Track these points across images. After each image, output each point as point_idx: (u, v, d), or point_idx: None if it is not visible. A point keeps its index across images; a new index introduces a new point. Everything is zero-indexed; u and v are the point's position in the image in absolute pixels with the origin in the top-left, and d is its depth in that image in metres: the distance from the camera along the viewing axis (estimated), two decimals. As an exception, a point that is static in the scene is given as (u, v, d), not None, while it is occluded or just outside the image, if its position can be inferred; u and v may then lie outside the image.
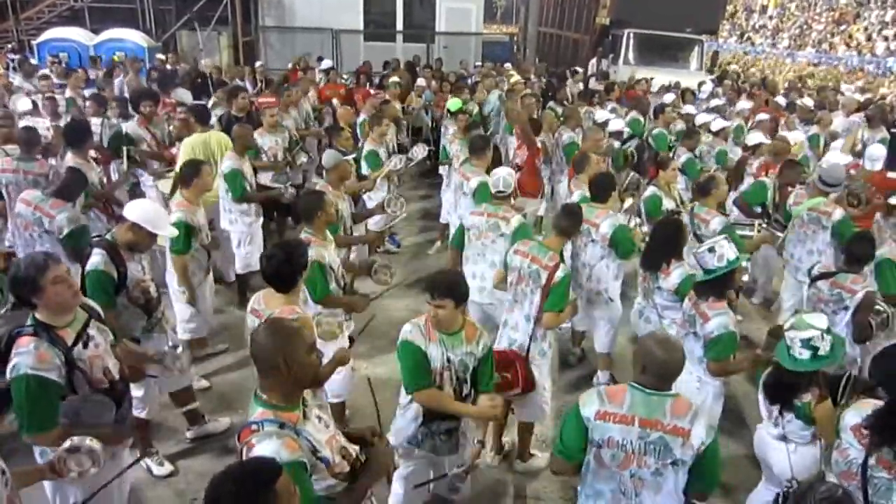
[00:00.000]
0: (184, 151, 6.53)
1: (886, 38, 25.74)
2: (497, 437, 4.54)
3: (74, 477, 2.68)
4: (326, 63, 13.39)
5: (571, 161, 6.77)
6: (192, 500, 3.91)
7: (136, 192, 7.16)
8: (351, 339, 5.03)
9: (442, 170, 8.38)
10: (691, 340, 3.99)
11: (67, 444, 2.65)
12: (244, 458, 2.26)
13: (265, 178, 6.98)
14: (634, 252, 5.07)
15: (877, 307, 4.24)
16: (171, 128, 7.67)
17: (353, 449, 2.57)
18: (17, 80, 9.90)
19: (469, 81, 12.15)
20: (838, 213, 5.43)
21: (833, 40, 28.46)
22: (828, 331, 3.17)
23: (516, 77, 12.32)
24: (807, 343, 3.09)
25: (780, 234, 5.90)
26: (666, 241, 4.61)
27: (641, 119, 9.19)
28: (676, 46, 16.58)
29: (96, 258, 3.71)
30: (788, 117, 9.95)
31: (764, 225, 5.96)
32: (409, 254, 8.23)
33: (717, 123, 8.14)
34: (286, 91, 8.90)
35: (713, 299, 3.84)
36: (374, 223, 6.91)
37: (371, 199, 7.19)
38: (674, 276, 4.49)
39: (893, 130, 8.91)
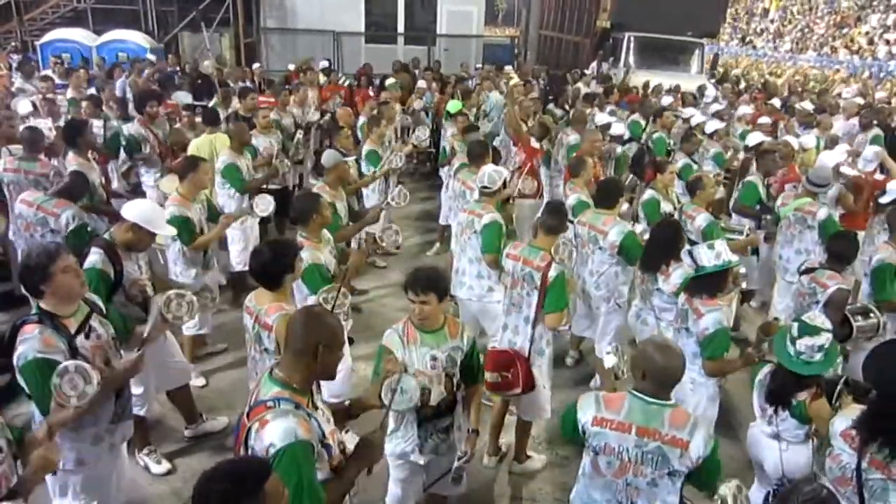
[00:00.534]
0: (191, 152, 6.58)
1: (888, 42, 25.76)
2: (494, 439, 4.55)
3: (76, 405, 2.66)
4: (323, 63, 13.43)
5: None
6: (188, 499, 3.93)
7: (137, 192, 7.18)
8: (350, 339, 5.07)
9: (442, 171, 8.41)
10: (684, 336, 4.00)
11: (58, 369, 2.66)
12: (256, 436, 2.27)
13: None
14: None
15: (869, 310, 4.19)
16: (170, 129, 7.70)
17: (347, 446, 2.60)
18: (17, 80, 9.92)
19: (470, 84, 12.18)
20: (823, 213, 5.51)
21: (834, 44, 28.48)
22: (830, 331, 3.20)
23: (515, 79, 12.34)
24: (821, 348, 3.10)
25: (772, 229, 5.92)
26: (664, 244, 4.61)
27: (642, 122, 9.21)
28: (677, 50, 16.57)
29: (94, 257, 3.73)
30: (788, 121, 9.96)
31: (754, 227, 5.98)
32: (408, 255, 8.25)
33: (711, 125, 8.19)
34: (284, 91, 8.95)
35: (706, 297, 3.86)
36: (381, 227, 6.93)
37: (370, 199, 7.23)
38: (674, 277, 4.49)
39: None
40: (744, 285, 4.73)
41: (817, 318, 3.23)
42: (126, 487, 3.68)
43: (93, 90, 9.24)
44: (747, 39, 33.63)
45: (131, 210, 3.86)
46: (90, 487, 3.20)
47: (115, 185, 7.29)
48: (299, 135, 8.06)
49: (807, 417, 3.22)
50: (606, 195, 5.15)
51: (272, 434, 2.23)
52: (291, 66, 13.13)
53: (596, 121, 8.40)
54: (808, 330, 3.11)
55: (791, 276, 5.58)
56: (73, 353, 2.91)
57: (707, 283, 3.87)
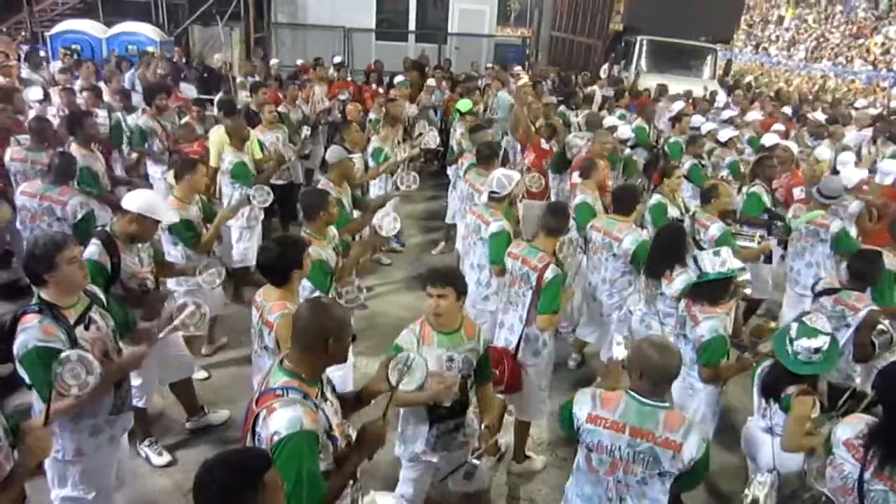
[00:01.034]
0: (213, 143, 6.60)
1: (903, 53, 25.64)
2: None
3: (76, 395, 2.65)
4: (337, 59, 13.44)
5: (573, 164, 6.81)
6: (189, 491, 3.93)
7: (141, 183, 7.21)
8: (353, 336, 5.06)
9: (450, 170, 8.40)
10: (682, 342, 4.01)
11: (59, 357, 2.66)
12: (263, 423, 2.30)
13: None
14: None
15: (880, 327, 4.19)
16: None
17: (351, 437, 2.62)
18: (24, 71, 9.93)
19: (480, 83, 12.16)
20: (836, 226, 5.43)
21: (850, 53, 28.35)
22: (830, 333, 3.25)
23: (524, 79, 12.31)
24: (818, 350, 3.16)
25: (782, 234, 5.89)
26: (669, 249, 4.58)
27: (646, 126, 9.17)
28: (690, 54, 16.47)
29: (92, 248, 3.72)
30: (799, 130, 9.90)
31: (765, 236, 5.94)
32: (412, 253, 8.26)
33: (725, 133, 8.08)
34: (293, 86, 8.96)
35: (707, 304, 3.84)
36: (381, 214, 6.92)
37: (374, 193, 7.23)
38: (677, 282, 4.47)
39: None
40: (748, 291, 4.70)
41: (817, 320, 3.28)
42: (127, 479, 3.70)
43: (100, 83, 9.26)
44: (762, 47, 33.49)
45: (133, 201, 3.84)
46: (89, 478, 3.20)
47: (118, 171, 7.29)
48: (306, 130, 8.06)
49: (789, 410, 3.28)
50: (622, 201, 5.08)
51: (278, 422, 2.26)
52: (299, 62, 13.13)
53: (605, 123, 8.36)
54: (807, 332, 3.19)
55: (802, 289, 5.55)
56: (73, 343, 2.91)
57: (709, 291, 3.87)
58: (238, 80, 10.61)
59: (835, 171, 7.27)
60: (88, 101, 7.61)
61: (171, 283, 4.71)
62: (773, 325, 6.08)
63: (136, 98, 8.63)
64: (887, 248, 4.79)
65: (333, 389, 2.75)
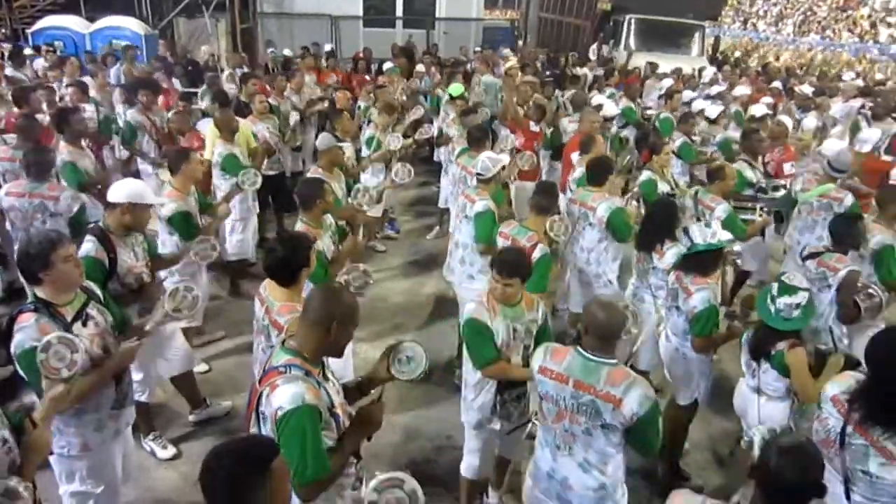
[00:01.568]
0: (208, 136, 6.57)
1: (890, 25, 25.63)
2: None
3: (68, 375, 2.68)
4: (328, 47, 13.36)
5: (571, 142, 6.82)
6: (196, 482, 3.96)
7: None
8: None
9: (441, 155, 8.40)
10: (675, 314, 4.11)
11: (40, 344, 2.67)
12: (266, 400, 2.35)
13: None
14: (631, 235, 5.11)
15: (870, 290, 4.28)
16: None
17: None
18: (8, 70, 9.82)
19: (469, 67, 12.13)
20: (850, 199, 5.46)
21: (837, 26, 28.32)
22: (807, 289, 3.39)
23: (511, 62, 12.29)
24: (798, 306, 3.31)
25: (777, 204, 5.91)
26: (660, 223, 4.66)
27: (633, 105, 9.19)
28: (678, 32, 16.49)
29: (88, 245, 3.71)
30: (787, 103, 9.94)
31: (764, 209, 5.98)
32: (407, 239, 8.28)
33: (713, 110, 8.12)
34: (281, 77, 8.92)
35: (697, 275, 3.91)
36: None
37: (369, 183, 7.22)
38: (668, 256, 4.54)
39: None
40: (739, 262, 4.76)
41: (795, 278, 3.42)
42: (133, 472, 3.74)
43: (87, 78, 9.21)
44: (750, 22, 33.40)
45: (120, 191, 3.82)
46: (96, 473, 3.23)
47: (110, 169, 7.25)
48: (294, 118, 8.03)
49: (785, 367, 3.38)
50: (596, 173, 5.22)
51: (281, 397, 2.32)
52: (287, 52, 13.03)
53: (592, 102, 8.37)
54: (787, 290, 3.34)
55: None
56: None
57: (700, 262, 3.93)
58: (227, 72, 10.54)
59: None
60: (74, 97, 7.56)
61: (163, 274, 4.72)
62: (759, 294, 6.15)
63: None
64: (875, 219, 4.84)
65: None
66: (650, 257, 4.74)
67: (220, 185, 6.19)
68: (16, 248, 3.75)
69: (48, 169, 4.96)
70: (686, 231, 4.05)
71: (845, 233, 4.44)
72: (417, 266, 7.48)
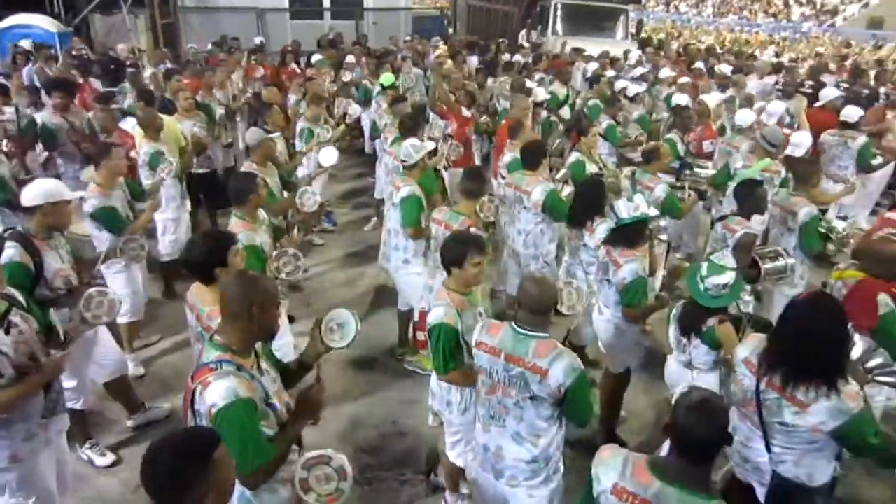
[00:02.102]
0: (138, 135, 6.38)
1: (801, 4, 26.82)
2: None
3: None
4: (258, 40, 13.08)
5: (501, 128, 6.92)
6: (137, 487, 3.89)
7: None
8: (290, 318, 5.08)
9: (376, 146, 8.38)
10: (605, 286, 4.26)
11: None
12: (199, 398, 2.34)
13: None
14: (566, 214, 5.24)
15: (779, 253, 4.49)
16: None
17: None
18: None
19: (398, 56, 12.10)
20: (784, 171, 5.75)
21: (753, 7, 29.45)
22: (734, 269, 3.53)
23: (441, 50, 12.32)
24: (726, 285, 3.44)
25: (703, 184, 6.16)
26: (589, 201, 4.80)
27: (563, 91, 9.38)
28: (603, 16, 16.85)
29: (10, 251, 3.58)
30: (707, 82, 10.32)
31: (690, 187, 6.21)
32: (345, 231, 8.26)
33: (633, 89, 8.42)
34: (208, 72, 8.71)
35: (625, 248, 4.06)
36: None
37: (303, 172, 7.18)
38: (598, 232, 4.67)
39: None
40: (663, 238, 4.96)
41: (723, 258, 3.56)
42: (71, 482, 3.63)
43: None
44: (672, 5, 34.37)
45: (34, 194, 3.71)
46: (27, 484, 3.13)
47: (36, 174, 6.96)
48: (222, 115, 7.87)
49: (716, 342, 3.53)
50: (530, 157, 5.31)
51: (214, 394, 2.32)
52: (210, 46, 12.72)
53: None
54: (715, 269, 3.47)
55: None
56: None
57: (627, 235, 4.08)
58: (149, 71, 10.20)
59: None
60: None
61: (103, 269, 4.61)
62: (687, 265, 6.41)
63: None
64: (792, 191, 5.07)
65: (276, 362, 2.80)
66: (581, 234, 4.89)
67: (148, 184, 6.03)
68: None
69: None
70: (612, 207, 4.18)
71: (747, 197, 4.72)
72: (356, 257, 7.48)
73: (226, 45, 11.93)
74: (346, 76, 10.33)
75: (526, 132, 6.18)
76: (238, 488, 2.42)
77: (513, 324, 2.96)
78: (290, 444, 2.56)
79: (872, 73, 11.62)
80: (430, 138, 6.29)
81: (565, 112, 8.87)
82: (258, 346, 2.62)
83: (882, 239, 4.18)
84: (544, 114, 8.08)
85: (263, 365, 2.60)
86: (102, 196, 4.66)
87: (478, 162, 7.79)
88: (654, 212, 4.23)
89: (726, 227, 4.71)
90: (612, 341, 4.31)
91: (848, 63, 14.93)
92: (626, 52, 13.41)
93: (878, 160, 7.07)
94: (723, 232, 4.73)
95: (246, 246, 3.94)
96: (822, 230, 4.80)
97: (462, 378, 3.32)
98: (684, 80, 9.44)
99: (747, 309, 4.42)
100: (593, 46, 13.55)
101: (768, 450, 2.90)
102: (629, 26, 17.26)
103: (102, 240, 4.74)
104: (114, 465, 4.27)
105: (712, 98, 8.00)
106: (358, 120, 9.53)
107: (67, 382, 3.81)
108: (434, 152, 5.37)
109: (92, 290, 3.42)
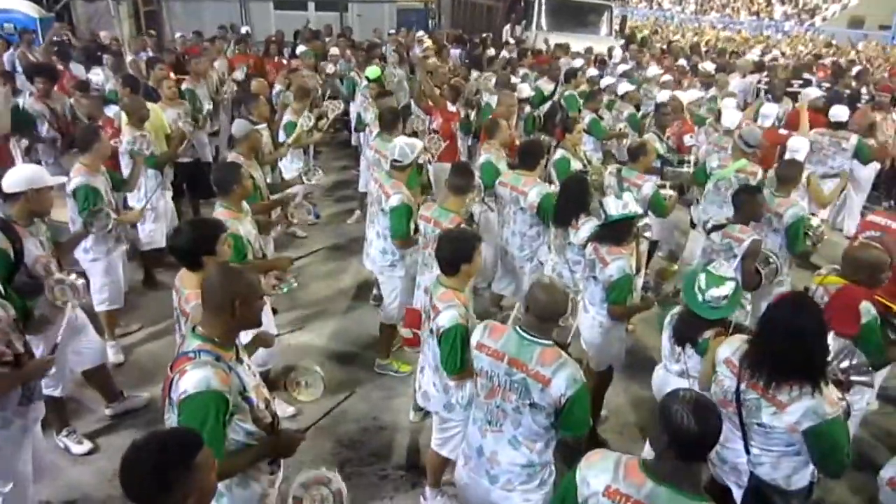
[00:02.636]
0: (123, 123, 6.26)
1: (783, 2, 27.09)
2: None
3: None
4: (244, 29, 12.94)
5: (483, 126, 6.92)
6: (114, 476, 3.85)
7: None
8: (273, 310, 5.06)
9: (360, 138, 8.36)
10: (592, 284, 4.24)
11: None
12: (175, 386, 2.33)
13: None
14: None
15: (768, 257, 4.55)
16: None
17: (275, 409, 2.68)
18: None
19: (383, 50, 12.06)
20: (761, 173, 5.75)
21: (735, 4, 29.69)
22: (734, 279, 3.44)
23: (428, 43, 12.29)
24: (725, 297, 3.33)
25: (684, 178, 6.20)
26: (574, 199, 4.76)
27: (550, 87, 9.41)
28: (587, 12, 16.92)
29: None
30: (691, 80, 10.41)
31: (669, 184, 6.26)
32: (328, 224, 8.23)
33: (623, 87, 8.40)
34: (195, 61, 8.62)
35: (612, 245, 4.07)
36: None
37: (287, 171, 7.15)
38: (583, 230, 4.63)
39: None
40: (647, 235, 4.97)
41: (721, 268, 3.47)
42: (47, 470, 3.64)
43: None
44: (655, 1, 34.54)
45: (16, 180, 3.70)
46: (3, 471, 3.13)
47: (18, 162, 6.86)
48: (208, 106, 7.81)
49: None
50: (527, 156, 5.22)
51: (187, 382, 2.31)
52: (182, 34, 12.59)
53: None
54: (715, 281, 3.35)
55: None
56: None
57: (614, 232, 4.09)
58: (129, 58, 10.08)
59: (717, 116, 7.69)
60: None
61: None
62: (674, 267, 6.46)
63: (20, 80, 8.07)
64: (775, 192, 5.10)
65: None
66: (567, 233, 4.86)
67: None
68: None
69: None
70: (600, 203, 4.17)
71: (747, 204, 4.64)
72: (339, 251, 7.46)
73: (203, 37, 11.78)
74: (330, 68, 10.30)
75: (503, 131, 6.09)
76: None
77: (518, 328, 2.92)
78: (247, 463, 2.53)
79: (853, 71, 11.77)
80: (414, 132, 6.28)
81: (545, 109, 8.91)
82: (239, 339, 2.61)
83: (862, 245, 4.16)
84: (527, 109, 8.10)
85: (243, 357, 2.60)
86: (87, 175, 4.63)
87: (463, 157, 7.77)
88: (639, 209, 4.22)
89: (728, 235, 4.57)
90: (595, 339, 4.29)
91: (826, 62, 15.11)
92: (610, 49, 13.48)
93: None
94: (726, 241, 4.58)
95: (230, 234, 3.93)
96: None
97: (469, 375, 3.29)
98: (666, 77, 9.51)
99: (743, 311, 4.44)
100: (577, 42, 13.61)
101: (747, 451, 2.91)
102: (613, 22, 17.35)
103: (79, 224, 4.67)
104: (90, 453, 4.25)
105: (687, 95, 8.06)
106: (344, 112, 9.50)
107: (46, 370, 3.79)
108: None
109: (51, 279, 3.42)
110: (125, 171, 5.92)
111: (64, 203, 4.74)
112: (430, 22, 20.14)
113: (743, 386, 2.86)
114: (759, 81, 10.90)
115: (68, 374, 4.16)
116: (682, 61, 11.98)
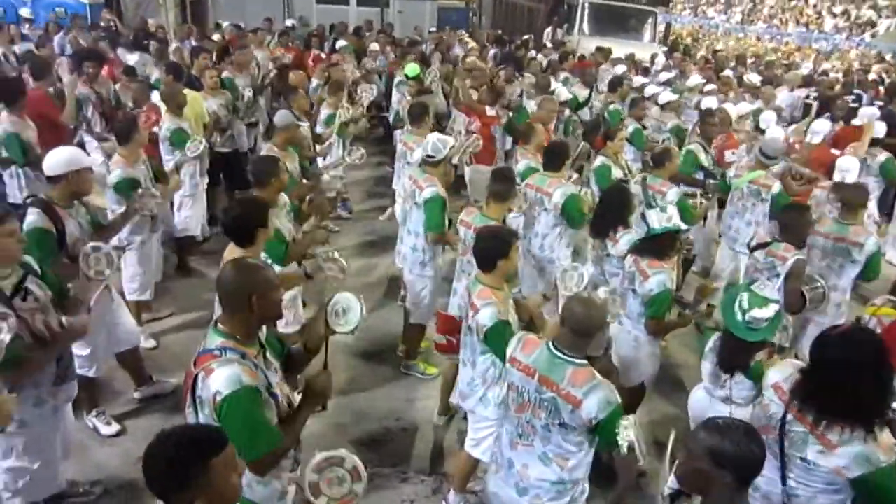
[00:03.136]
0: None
1: (835, 15, 26.42)
2: (444, 398, 4.63)
3: None
4: (289, 22, 13.04)
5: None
6: (140, 459, 3.91)
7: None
8: (303, 302, 5.08)
9: (396, 135, 8.36)
10: (630, 297, 4.12)
11: None
12: (202, 385, 2.31)
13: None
14: (584, 222, 5.16)
15: (816, 281, 4.38)
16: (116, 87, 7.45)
17: (294, 397, 2.66)
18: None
19: (423, 48, 12.05)
20: (777, 186, 5.60)
21: (784, 16, 29.05)
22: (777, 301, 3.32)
23: (472, 44, 12.24)
24: (767, 319, 3.20)
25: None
26: (614, 209, 4.68)
27: (584, 93, 9.29)
28: (630, 17, 16.71)
29: (32, 216, 3.62)
30: (737, 91, 10.18)
31: (705, 193, 6.14)
32: (360, 220, 8.24)
33: (665, 96, 8.24)
34: (238, 52, 8.71)
35: (653, 259, 3.97)
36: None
37: (326, 162, 7.18)
38: (622, 242, 4.56)
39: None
40: (691, 250, 4.85)
41: (765, 288, 3.35)
42: (74, 449, 3.69)
43: (29, 46, 8.81)
44: (700, 9, 33.99)
45: (56, 163, 3.75)
46: (34, 449, 3.18)
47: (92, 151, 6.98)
48: (248, 93, 7.87)
49: (762, 375, 3.25)
50: (553, 158, 5.19)
51: (217, 381, 2.29)
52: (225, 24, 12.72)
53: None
54: (758, 302, 3.22)
55: (739, 247, 5.66)
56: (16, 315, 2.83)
57: (656, 245, 3.99)
58: (173, 45, 10.22)
59: (758, 131, 7.50)
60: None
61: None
62: (714, 284, 6.34)
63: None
64: (848, 219, 4.82)
65: (281, 349, 2.76)
66: (604, 244, 4.77)
67: (169, 160, 6.03)
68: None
69: None
70: (643, 216, 4.07)
71: (793, 222, 4.50)
72: (370, 247, 7.47)
73: (243, 30, 11.89)
74: (370, 64, 10.33)
75: (539, 136, 6.03)
76: None
77: (550, 344, 2.86)
78: (298, 430, 2.55)
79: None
80: (451, 131, 6.26)
81: (584, 114, 8.80)
82: (262, 333, 2.60)
83: None
84: (567, 112, 8.00)
85: (267, 354, 2.58)
86: (127, 167, 4.69)
87: (501, 160, 7.71)
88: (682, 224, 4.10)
89: (772, 254, 4.44)
90: (629, 353, 4.18)
91: (871, 77, 14.64)
92: (653, 56, 13.28)
93: None
94: (769, 259, 4.45)
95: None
96: None
97: None
98: (710, 87, 9.32)
99: (784, 334, 4.30)
100: (620, 48, 13.43)
101: (783, 482, 2.76)
102: (657, 29, 17.10)
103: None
104: (118, 434, 4.30)
105: (737, 108, 7.86)
106: (379, 108, 9.51)
107: (81, 350, 3.87)
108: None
109: (86, 247, 3.42)
110: (165, 158, 6.01)
111: (100, 190, 4.81)
112: (471, 21, 20.04)
113: (789, 416, 2.72)
114: (806, 96, 10.61)
115: (102, 354, 4.21)
116: (727, 72, 11.74)
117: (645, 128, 7.58)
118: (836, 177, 5.70)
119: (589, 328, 2.80)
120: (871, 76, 14.67)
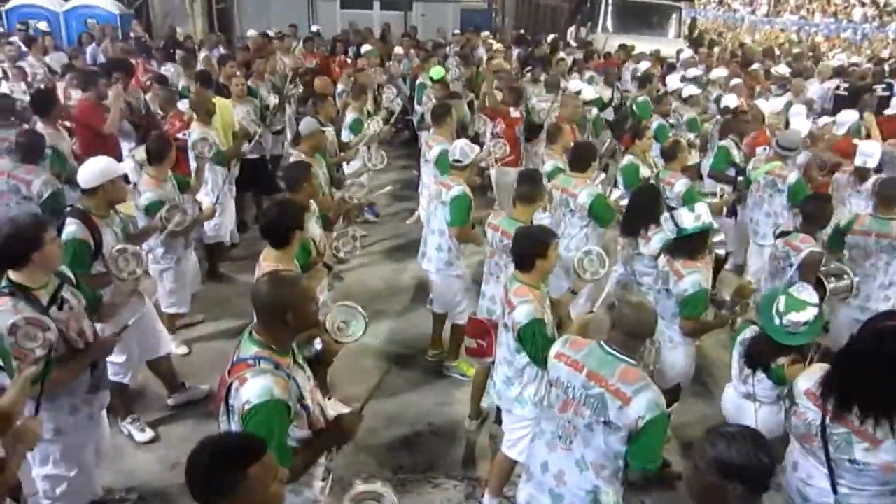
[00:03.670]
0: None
1: (864, 4, 25.83)
2: (475, 403, 4.61)
3: (41, 355, 2.69)
4: (314, 28, 13.14)
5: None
6: (174, 465, 3.96)
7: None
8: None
9: (422, 138, 8.35)
10: (664, 297, 4.06)
11: (5, 328, 2.66)
12: (235, 393, 2.32)
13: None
14: (614, 221, 5.11)
15: (843, 273, 4.26)
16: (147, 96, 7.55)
17: (329, 411, 2.65)
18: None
19: (447, 50, 12.04)
20: (793, 176, 5.55)
21: (811, 6, 28.49)
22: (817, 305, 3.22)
23: (497, 46, 12.18)
24: (805, 323, 3.14)
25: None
26: (644, 208, 4.64)
27: (607, 92, 9.19)
28: (654, 13, 16.50)
29: (72, 227, 3.69)
30: (766, 84, 10.00)
31: (728, 190, 6.05)
32: (387, 223, 8.25)
33: (688, 90, 8.14)
34: (260, 60, 8.79)
35: (686, 258, 3.91)
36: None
37: (351, 166, 7.18)
38: (654, 241, 4.51)
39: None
40: (722, 252, 4.77)
41: (804, 291, 3.25)
42: (109, 456, 3.73)
43: (61, 56, 8.98)
44: (725, 2, 33.51)
45: (91, 174, 3.81)
46: (69, 456, 3.22)
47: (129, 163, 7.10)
48: (274, 100, 7.93)
49: (783, 380, 3.26)
50: (579, 158, 5.17)
51: (249, 391, 2.30)
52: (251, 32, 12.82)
53: (570, 87, 8.36)
54: (796, 305, 3.15)
55: (762, 239, 5.68)
56: None
57: (688, 245, 3.92)
58: (202, 54, 10.35)
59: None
60: (18, 77, 7.39)
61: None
62: (753, 285, 6.24)
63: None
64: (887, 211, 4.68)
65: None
66: (635, 243, 4.73)
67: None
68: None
69: (37, 154, 4.94)
70: (672, 216, 3.99)
71: (815, 212, 4.48)
72: (397, 251, 7.47)
73: (269, 37, 11.98)
74: (395, 68, 10.34)
75: (566, 136, 6.00)
76: None
77: (601, 342, 2.83)
78: (312, 460, 2.53)
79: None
80: (475, 136, 6.25)
81: (608, 114, 8.71)
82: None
83: None
84: (594, 111, 7.92)
85: (300, 361, 2.58)
86: (157, 189, 4.70)
87: (524, 161, 7.66)
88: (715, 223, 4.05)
89: (789, 244, 4.45)
90: (665, 354, 4.05)
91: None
92: (678, 52, 13.10)
93: None
94: (785, 249, 4.47)
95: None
96: None
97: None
98: (736, 81, 9.15)
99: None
100: (644, 45, 13.27)
101: (834, 490, 2.68)
102: (682, 24, 16.87)
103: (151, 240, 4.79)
104: (152, 441, 4.32)
105: (769, 104, 7.73)
106: (404, 112, 9.51)
107: (118, 357, 3.91)
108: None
109: (112, 251, 3.50)
110: (192, 165, 6.06)
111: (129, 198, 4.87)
112: (494, 22, 20.00)
113: (828, 420, 2.66)
114: (836, 87, 10.37)
115: (136, 362, 4.26)
116: (755, 65, 11.52)
117: (673, 126, 7.48)
118: (858, 161, 5.66)
119: (641, 331, 2.80)
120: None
